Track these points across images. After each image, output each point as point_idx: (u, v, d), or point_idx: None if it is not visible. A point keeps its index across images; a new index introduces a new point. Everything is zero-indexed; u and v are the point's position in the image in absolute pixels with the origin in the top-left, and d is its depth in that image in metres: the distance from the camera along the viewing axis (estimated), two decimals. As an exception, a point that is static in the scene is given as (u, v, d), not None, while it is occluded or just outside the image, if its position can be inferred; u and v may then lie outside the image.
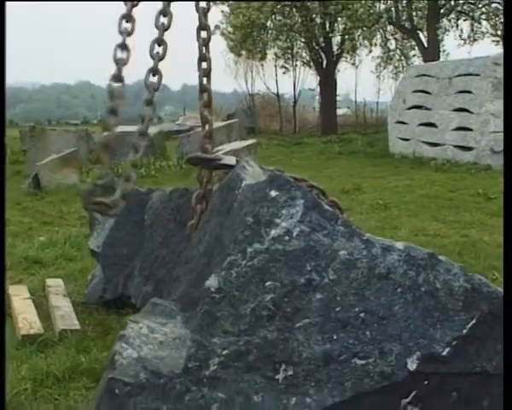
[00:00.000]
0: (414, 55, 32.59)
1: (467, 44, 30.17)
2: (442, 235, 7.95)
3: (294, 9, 30.36)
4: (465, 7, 28.89)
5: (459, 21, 29.91)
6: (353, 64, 34.32)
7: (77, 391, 3.72)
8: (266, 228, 2.79)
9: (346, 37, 30.71)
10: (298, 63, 35.02)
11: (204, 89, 3.77)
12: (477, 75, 14.98)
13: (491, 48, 29.43)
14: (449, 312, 2.76)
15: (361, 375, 2.70)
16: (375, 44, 32.35)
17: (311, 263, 2.77)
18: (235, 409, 2.72)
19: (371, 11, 27.77)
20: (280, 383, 2.72)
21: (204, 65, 3.76)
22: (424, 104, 17.17)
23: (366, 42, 31.79)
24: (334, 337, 2.73)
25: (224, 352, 2.74)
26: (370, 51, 32.90)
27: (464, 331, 2.75)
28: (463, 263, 6.26)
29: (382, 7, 29.04)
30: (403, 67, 31.88)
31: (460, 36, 30.24)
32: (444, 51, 29.97)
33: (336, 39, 32.25)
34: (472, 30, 29.88)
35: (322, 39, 31.60)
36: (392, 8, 28.70)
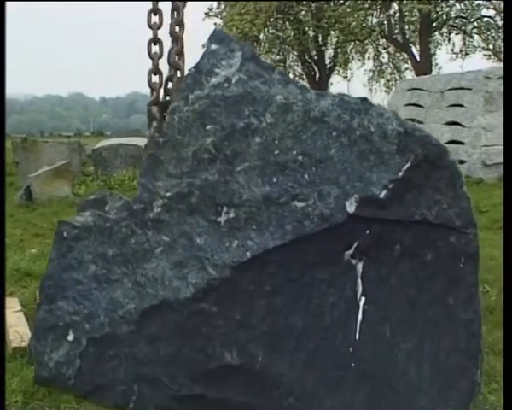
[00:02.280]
0: (406, 69, 32.73)
1: (459, 58, 30.35)
2: (434, 248, 7.94)
3: (287, 23, 30.48)
4: (457, 21, 29.08)
5: (451, 35, 30.10)
6: (345, 77, 34.44)
7: (67, 404, 3.68)
8: (207, 77, 2.89)
9: (339, 50, 30.84)
10: (291, 76, 35.09)
11: (176, 37, 3.60)
12: (469, 89, 15.05)
13: (482, 62, 29.57)
14: (384, 155, 2.80)
15: (301, 217, 2.75)
16: (368, 58, 32.51)
17: (249, 108, 2.85)
18: (178, 252, 2.78)
19: (364, 25, 27.89)
20: (222, 226, 2.78)
21: (175, 14, 3.61)
22: (416, 117, 17.22)
23: (358, 55, 31.91)
24: (274, 180, 2.79)
25: (168, 194, 2.83)
26: (363, 64, 33.05)
27: (400, 174, 2.78)
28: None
29: (375, 20, 29.20)
30: (395, 80, 32.00)
31: (452, 50, 30.42)
32: (436, 65, 30.12)
33: (329, 52, 32.40)
34: (464, 44, 30.06)
35: (314, 52, 31.72)
36: (385, 22, 28.86)
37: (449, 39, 30.23)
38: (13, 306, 5.37)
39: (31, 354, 2.90)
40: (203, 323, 2.77)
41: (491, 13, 27.55)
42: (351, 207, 2.76)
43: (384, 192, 2.76)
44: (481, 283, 6.05)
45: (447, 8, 28.51)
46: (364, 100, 2.89)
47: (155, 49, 3.56)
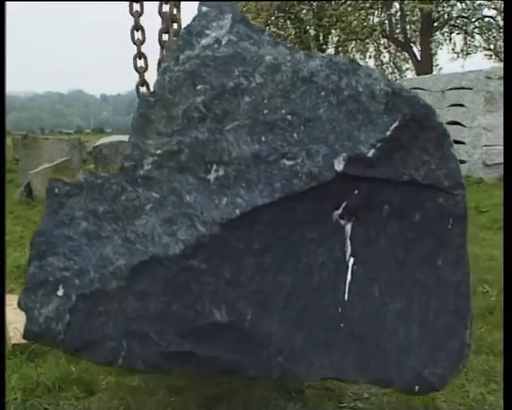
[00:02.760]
0: (407, 69, 32.72)
1: (460, 58, 30.33)
2: (434, 248, 7.95)
3: (288, 21, 30.47)
4: (458, 21, 29.06)
5: (452, 35, 30.08)
6: (347, 76, 34.36)
7: (67, 401, 3.70)
8: (198, 38, 2.92)
9: (340, 49, 30.81)
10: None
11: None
12: (470, 89, 15.04)
13: (484, 62, 29.57)
14: (372, 115, 2.84)
15: (289, 175, 2.79)
16: (369, 57, 32.48)
17: (238, 68, 2.89)
18: (167, 208, 2.82)
19: (365, 24, 27.88)
20: (211, 184, 2.82)
21: None
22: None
23: (359, 54, 31.90)
24: (263, 139, 2.83)
25: (158, 152, 2.87)
26: (364, 63, 32.99)
27: (388, 134, 2.82)
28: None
29: (376, 20, 29.20)
30: (396, 79, 31.97)
31: (453, 49, 30.40)
32: (437, 65, 30.12)
33: (330, 51, 32.36)
34: (465, 44, 30.05)
35: (316, 51, 31.72)
36: (386, 21, 28.84)
37: (450, 39, 30.22)
38: (13, 303, 5.36)
39: (21, 309, 2.92)
40: (192, 280, 2.80)
41: (493, 13, 27.57)
42: (339, 165, 2.80)
43: (372, 151, 2.81)
44: (481, 283, 6.09)
45: (448, 8, 28.50)
46: (352, 61, 2.94)
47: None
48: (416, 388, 2.98)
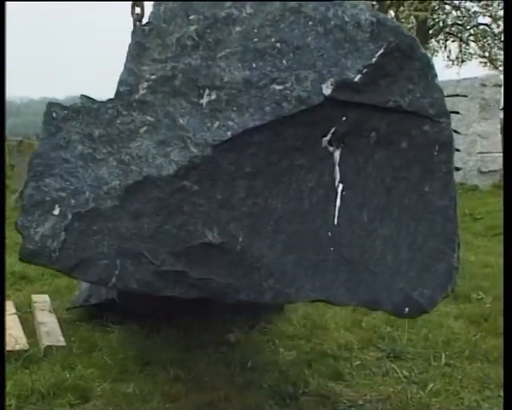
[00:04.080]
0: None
1: (455, 65, 30.40)
2: (428, 254, 7.96)
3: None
4: (453, 28, 29.16)
5: (447, 42, 30.17)
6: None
7: (61, 408, 3.70)
8: None
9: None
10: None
11: None
12: (465, 96, 15.08)
13: (479, 69, 29.61)
14: (358, 43, 2.94)
15: (279, 99, 2.88)
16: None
17: None
18: (161, 131, 2.91)
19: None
20: (204, 108, 2.92)
21: None
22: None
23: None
24: (253, 65, 2.94)
25: (152, 77, 2.97)
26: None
27: (373, 60, 2.93)
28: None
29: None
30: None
31: (448, 57, 30.47)
32: (432, 72, 30.11)
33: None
34: (460, 51, 30.14)
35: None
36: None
37: (445, 46, 30.31)
38: (7, 309, 5.37)
39: (18, 230, 2.98)
40: (185, 201, 2.88)
41: (488, 20, 27.64)
42: (327, 89, 2.89)
43: (358, 76, 2.91)
44: (476, 290, 6.10)
45: (444, 16, 28.61)
46: None
47: None
48: (406, 309, 3.04)
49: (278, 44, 2.94)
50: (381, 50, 2.93)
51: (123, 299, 4.85)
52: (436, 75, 3.08)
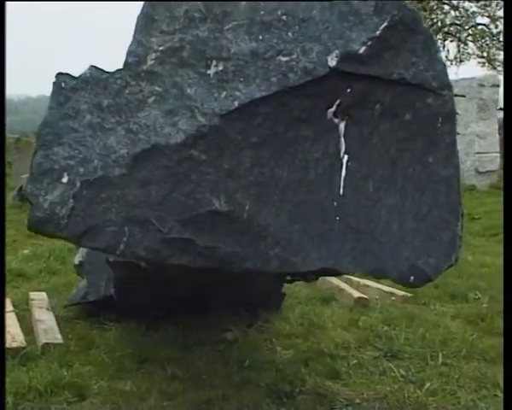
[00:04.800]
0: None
1: (453, 65, 30.41)
2: (426, 254, 7.96)
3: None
4: (452, 28, 29.15)
5: (446, 42, 30.13)
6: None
7: (58, 405, 3.70)
8: None
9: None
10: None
11: None
12: (463, 96, 15.10)
13: (477, 69, 29.60)
14: (362, 16, 2.99)
15: (285, 70, 2.93)
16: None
17: None
18: (169, 101, 2.96)
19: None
20: (211, 78, 2.96)
21: None
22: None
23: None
24: (260, 37, 2.98)
25: (161, 48, 3.01)
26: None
27: (378, 33, 2.97)
28: (446, 283, 6.32)
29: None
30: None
31: (446, 57, 30.41)
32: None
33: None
34: (458, 51, 30.11)
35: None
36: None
37: (443, 46, 30.25)
38: (6, 307, 5.37)
39: (27, 198, 3.03)
40: (192, 169, 2.91)
41: (486, 21, 27.64)
42: (332, 61, 2.93)
43: (363, 48, 2.95)
44: (473, 290, 6.11)
45: (442, 16, 28.58)
46: None
47: None
48: (411, 278, 3.06)
49: (284, 17, 2.98)
50: (385, 23, 2.97)
51: (120, 296, 4.86)
52: (439, 50, 3.16)
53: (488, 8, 26.40)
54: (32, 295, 5.80)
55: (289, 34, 2.97)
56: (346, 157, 3.02)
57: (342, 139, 3.02)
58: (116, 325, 4.97)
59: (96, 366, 4.20)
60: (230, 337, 4.76)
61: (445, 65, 3.15)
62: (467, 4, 27.64)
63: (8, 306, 5.41)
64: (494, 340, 4.69)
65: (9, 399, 3.69)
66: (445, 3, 27.80)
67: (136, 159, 2.91)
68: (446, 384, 3.98)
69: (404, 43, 3.02)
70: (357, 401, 3.78)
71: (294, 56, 2.93)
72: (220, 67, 2.96)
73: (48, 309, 5.36)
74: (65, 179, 2.94)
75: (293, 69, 2.93)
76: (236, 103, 2.89)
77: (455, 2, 27.92)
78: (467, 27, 28.56)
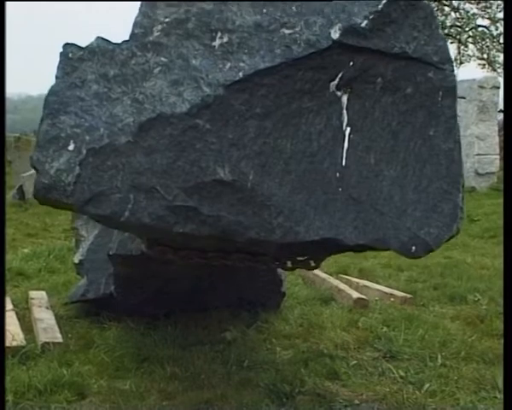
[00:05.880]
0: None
1: (454, 67, 30.42)
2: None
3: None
4: (452, 30, 29.16)
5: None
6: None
7: (58, 404, 3.70)
8: None
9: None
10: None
11: None
12: (463, 98, 15.11)
13: (477, 71, 29.67)
14: None
15: (289, 42, 2.97)
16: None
17: None
18: (175, 71, 2.99)
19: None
20: (216, 50, 3.01)
21: None
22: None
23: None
24: (264, 11, 3.02)
25: (167, 20, 3.05)
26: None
27: (379, 7, 2.99)
28: (446, 284, 6.32)
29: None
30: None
31: (447, 58, 30.42)
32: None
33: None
34: (459, 53, 30.14)
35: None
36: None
37: (444, 48, 30.27)
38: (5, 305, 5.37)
39: (33, 166, 3.05)
40: (197, 139, 2.94)
41: (486, 22, 27.68)
42: (335, 34, 2.96)
43: (365, 22, 2.98)
44: (472, 291, 6.11)
45: (442, 17, 28.59)
46: None
47: None
48: (413, 248, 3.08)
49: None
50: None
51: (120, 293, 4.87)
52: (439, 25, 3.19)
53: (488, 10, 26.45)
54: (32, 294, 5.80)
55: (293, 8, 3.00)
56: (348, 129, 3.06)
57: (344, 112, 3.06)
58: (115, 324, 4.97)
59: (96, 365, 4.20)
60: (230, 337, 4.76)
61: (445, 40, 3.20)
62: (467, 6, 27.66)
63: (8, 305, 5.41)
64: (493, 341, 4.69)
65: (9, 397, 3.69)
66: (445, 5, 27.83)
67: (142, 127, 2.95)
68: (445, 386, 3.98)
69: (406, 18, 3.05)
70: (357, 401, 3.79)
71: (298, 29, 2.97)
72: (225, 39, 3.00)
73: (47, 308, 5.36)
74: (71, 147, 2.98)
75: (296, 41, 2.96)
76: (241, 74, 2.93)
77: (455, 4, 27.94)
78: (467, 29, 28.58)
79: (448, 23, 28.65)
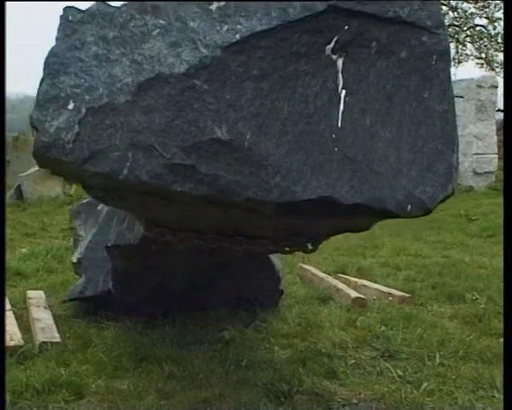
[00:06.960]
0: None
1: (452, 66, 30.41)
2: (423, 255, 7.99)
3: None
4: (450, 29, 29.16)
5: (444, 43, 30.16)
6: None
7: (56, 404, 3.70)
8: None
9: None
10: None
11: None
12: (461, 97, 15.12)
13: (475, 70, 29.64)
14: None
15: (285, 5, 3.00)
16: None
17: None
18: (173, 33, 3.03)
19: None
20: (213, 13, 3.03)
21: None
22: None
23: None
24: None
25: None
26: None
27: None
28: (444, 283, 6.33)
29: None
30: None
31: (445, 58, 30.44)
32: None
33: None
34: (457, 52, 30.15)
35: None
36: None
37: (442, 47, 30.28)
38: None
39: (33, 125, 3.09)
40: (195, 98, 2.98)
41: (484, 22, 27.69)
42: None
43: None
44: (470, 290, 6.12)
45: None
46: None
47: None
48: (409, 207, 3.12)
49: None
50: None
51: (118, 289, 4.87)
52: None
53: (487, 10, 26.45)
54: (30, 293, 5.80)
55: None
56: (343, 92, 3.10)
57: (340, 75, 3.10)
58: (113, 323, 4.97)
59: (94, 365, 4.20)
60: (228, 337, 4.76)
61: (439, 6, 3.27)
62: (465, 5, 27.65)
63: (6, 304, 5.40)
64: (491, 341, 4.69)
65: (7, 397, 3.69)
66: (443, 4, 27.81)
67: (141, 87, 2.98)
68: (443, 385, 3.98)
69: None
70: (355, 400, 3.79)
71: None
72: (222, 2, 3.03)
73: (45, 308, 5.36)
74: (71, 106, 3.01)
75: (292, 4, 3.00)
76: (238, 36, 2.96)
77: (453, 3, 27.94)
78: (465, 28, 28.59)
79: (446, 22, 28.62)
